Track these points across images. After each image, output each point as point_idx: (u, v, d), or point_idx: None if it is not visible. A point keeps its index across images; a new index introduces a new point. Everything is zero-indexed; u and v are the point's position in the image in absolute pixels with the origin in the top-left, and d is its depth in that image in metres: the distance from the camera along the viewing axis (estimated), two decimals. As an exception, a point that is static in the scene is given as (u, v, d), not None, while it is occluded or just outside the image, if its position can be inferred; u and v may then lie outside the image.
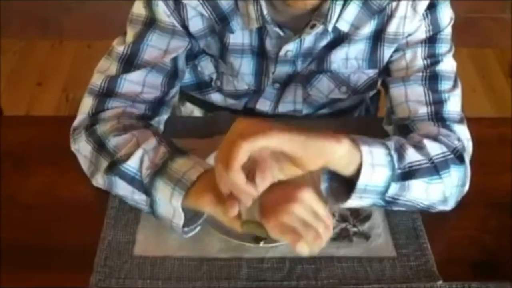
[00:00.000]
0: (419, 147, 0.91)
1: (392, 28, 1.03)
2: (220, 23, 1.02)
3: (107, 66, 1.02)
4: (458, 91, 1.04)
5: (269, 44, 1.04)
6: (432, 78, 1.02)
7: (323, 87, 1.11)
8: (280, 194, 0.78)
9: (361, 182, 0.83)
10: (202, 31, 1.04)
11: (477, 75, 2.50)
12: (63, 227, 0.95)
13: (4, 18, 2.69)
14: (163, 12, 1.00)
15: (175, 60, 1.03)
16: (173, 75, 1.04)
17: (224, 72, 1.11)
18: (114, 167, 0.91)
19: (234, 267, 0.90)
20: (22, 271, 0.89)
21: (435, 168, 0.90)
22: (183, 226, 0.87)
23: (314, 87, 1.11)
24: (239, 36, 1.04)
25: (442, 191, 0.91)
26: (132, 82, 1.00)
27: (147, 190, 0.88)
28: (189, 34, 1.04)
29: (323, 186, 0.87)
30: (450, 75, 1.04)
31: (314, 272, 0.90)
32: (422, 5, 1.00)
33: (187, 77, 1.13)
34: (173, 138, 1.08)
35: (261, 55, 1.07)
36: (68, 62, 2.54)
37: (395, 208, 0.93)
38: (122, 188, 0.91)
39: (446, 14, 1.03)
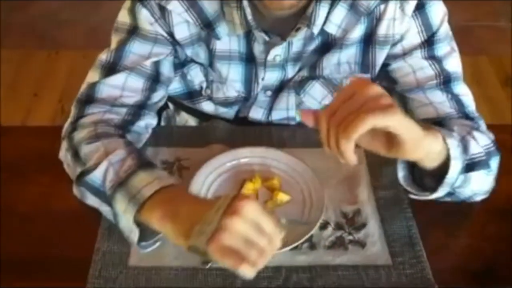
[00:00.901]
0: (474, 138, 0.92)
1: (382, 30, 1.03)
2: (206, 29, 1.02)
3: (91, 75, 1.03)
4: (468, 90, 1.06)
5: (257, 49, 1.05)
6: (445, 83, 1.03)
7: (316, 93, 1.11)
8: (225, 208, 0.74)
9: (449, 176, 0.84)
10: (189, 39, 1.04)
11: (472, 83, 2.50)
12: (60, 237, 0.95)
13: (2, 30, 2.70)
14: (146, 20, 1.01)
15: (156, 64, 1.03)
16: (154, 79, 1.04)
17: (214, 80, 1.11)
18: (81, 179, 0.90)
19: (229, 277, 0.89)
20: (18, 281, 0.89)
21: (488, 160, 0.91)
22: (142, 240, 0.86)
23: (307, 93, 1.11)
24: (226, 43, 1.05)
25: (491, 181, 0.94)
26: (111, 86, 1.01)
27: (110, 202, 0.87)
28: (175, 42, 1.04)
29: (401, 174, 0.89)
30: (458, 72, 1.05)
31: (310, 280, 0.89)
32: (410, 6, 1.01)
33: (178, 87, 1.14)
34: (167, 148, 1.08)
35: (249, 61, 1.07)
36: (64, 72, 2.54)
37: (443, 199, 0.92)
38: (92, 200, 0.91)
39: (437, 13, 1.03)
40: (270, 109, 1.14)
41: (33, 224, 0.97)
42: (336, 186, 1.02)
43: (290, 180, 1.02)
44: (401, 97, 1.07)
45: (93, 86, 1.01)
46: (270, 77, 1.08)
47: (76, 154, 0.94)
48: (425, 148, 0.80)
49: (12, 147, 1.09)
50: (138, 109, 1.03)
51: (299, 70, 1.08)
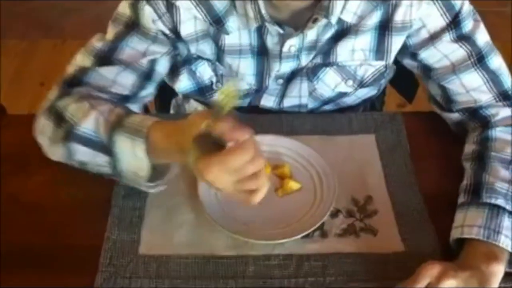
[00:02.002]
0: None
1: (399, 17, 1.01)
2: (215, 25, 1.00)
3: (82, 59, 1.02)
4: (503, 62, 1.06)
5: (270, 41, 1.03)
6: (480, 61, 1.03)
7: (329, 80, 1.10)
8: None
9: None
10: (194, 35, 1.03)
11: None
12: (67, 227, 0.94)
13: (7, 20, 2.70)
14: (148, 18, 0.99)
15: (152, 62, 1.03)
16: (147, 76, 1.03)
17: (224, 74, 1.09)
18: (70, 134, 0.90)
19: (240, 265, 0.89)
20: (24, 272, 0.89)
21: None
22: (149, 181, 0.87)
23: (320, 80, 1.10)
24: (236, 37, 1.03)
25: None
26: (103, 76, 1.00)
27: (107, 148, 0.88)
28: (177, 39, 1.03)
29: None
30: (489, 46, 1.04)
31: (322, 268, 0.89)
32: None
33: (188, 84, 1.12)
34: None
35: (261, 54, 1.06)
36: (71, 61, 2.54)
37: None
38: (83, 153, 0.91)
39: None
40: (282, 97, 1.13)
41: (38, 214, 0.96)
42: (347, 173, 1.01)
43: (300, 167, 1.02)
44: (439, 86, 1.07)
45: (84, 70, 1.00)
46: (285, 67, 1.07)
47: (60, 118, 0.93)
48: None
49: (15, 137, 1.08)
50: (124, 100, 1.02)
51: (313, 57, 1.07)
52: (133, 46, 1.01)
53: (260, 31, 1.02)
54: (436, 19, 1.02)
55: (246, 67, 1.07)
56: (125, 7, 1.01)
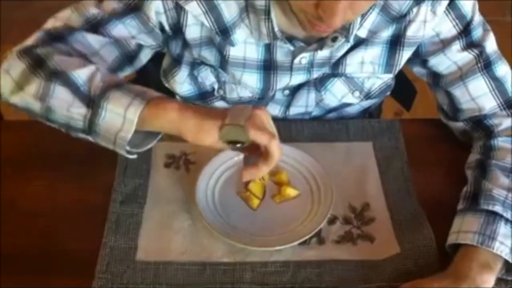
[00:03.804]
0: None
1: (411, 32, 1.02)
2: (221, 35, 1.00)
3: (69, 17, 0.99)
4: (510, 71, 1.06)
5: (280, 55, 1.03)
6: (486, 66, 1.03)
7: (337, 90, 1.10)
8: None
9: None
10: (198, 40, 1.02)
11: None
12: (64, 232, 0.94)
13: (5, 27, 2.70)
14: (153, 8, 0.97)
15: (139, 46, 1.02)
16: (129, 58, 1.02)
17: (226, 81, 1.09)
18: (59, 74, 0.87)
19: (237, 271, 0.89)
20: (22, 276, 0.89)
21: None
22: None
23: (328, 91, 1.10)
24: (241, 49, 1.02)
25: None
26: (88, 43, 0.97)
27: (93, 102, 0.85)
28: (175, 36, 1.02)
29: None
30: (497, 54, 1.05)
31: (318, 275, 0.88)
32: (441, 8, 1.00)
33: (189, 89, 1.12)
34: (173, 142, 1.08)
35: (268, 69, 1.05)
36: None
37: None
38: (60, 98, 0.87)
39: (467, 2, 1.02)
40: (287, 106, 1.13)
41: (36, 219, 0.96)
42: (345, 180, 1.01)
43: (298, 174, 1.02)
44: (446, 93, 1.08)
45: (71, 29, 0.97)
46: (295, 80, 1.07)
47: (38, 64, 0.89)
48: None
49: (14, 142, 1.09)
50: None
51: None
52: (128, 26, 0.98)
53: (269, 45, 1.02)
54: (448, 29, 1.03)
55: (250, 81, 1.07)
56: None
